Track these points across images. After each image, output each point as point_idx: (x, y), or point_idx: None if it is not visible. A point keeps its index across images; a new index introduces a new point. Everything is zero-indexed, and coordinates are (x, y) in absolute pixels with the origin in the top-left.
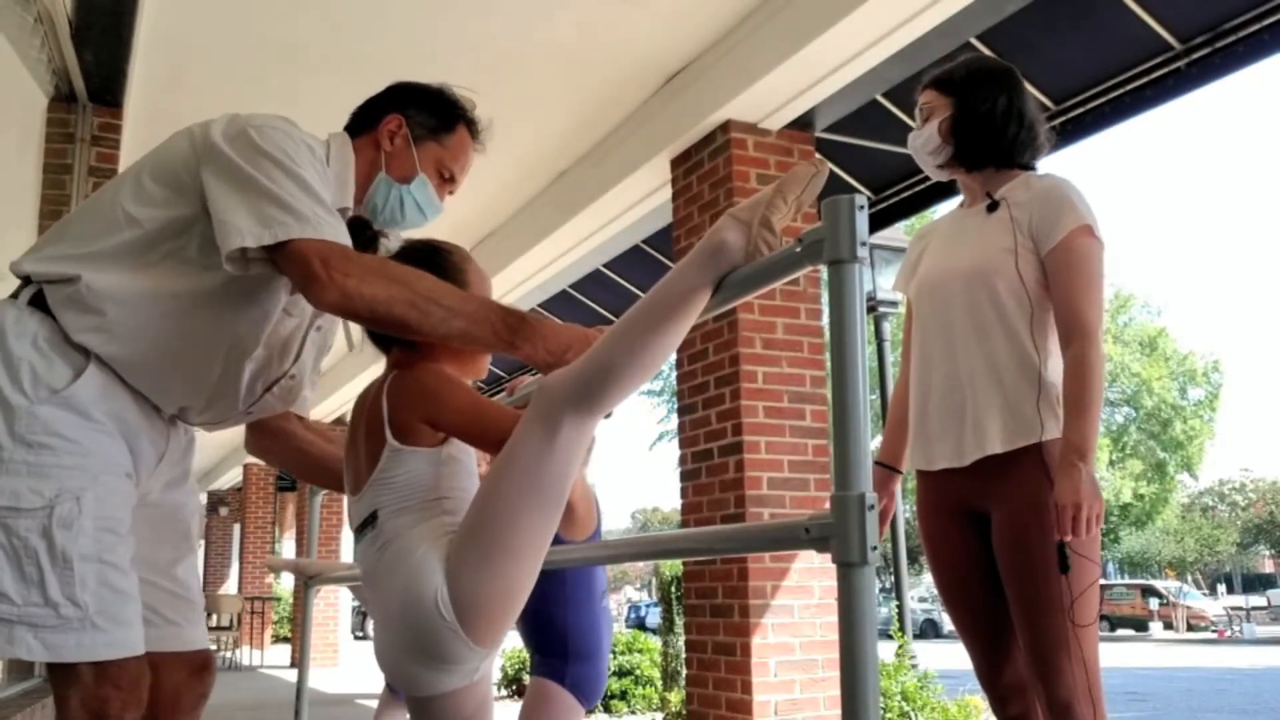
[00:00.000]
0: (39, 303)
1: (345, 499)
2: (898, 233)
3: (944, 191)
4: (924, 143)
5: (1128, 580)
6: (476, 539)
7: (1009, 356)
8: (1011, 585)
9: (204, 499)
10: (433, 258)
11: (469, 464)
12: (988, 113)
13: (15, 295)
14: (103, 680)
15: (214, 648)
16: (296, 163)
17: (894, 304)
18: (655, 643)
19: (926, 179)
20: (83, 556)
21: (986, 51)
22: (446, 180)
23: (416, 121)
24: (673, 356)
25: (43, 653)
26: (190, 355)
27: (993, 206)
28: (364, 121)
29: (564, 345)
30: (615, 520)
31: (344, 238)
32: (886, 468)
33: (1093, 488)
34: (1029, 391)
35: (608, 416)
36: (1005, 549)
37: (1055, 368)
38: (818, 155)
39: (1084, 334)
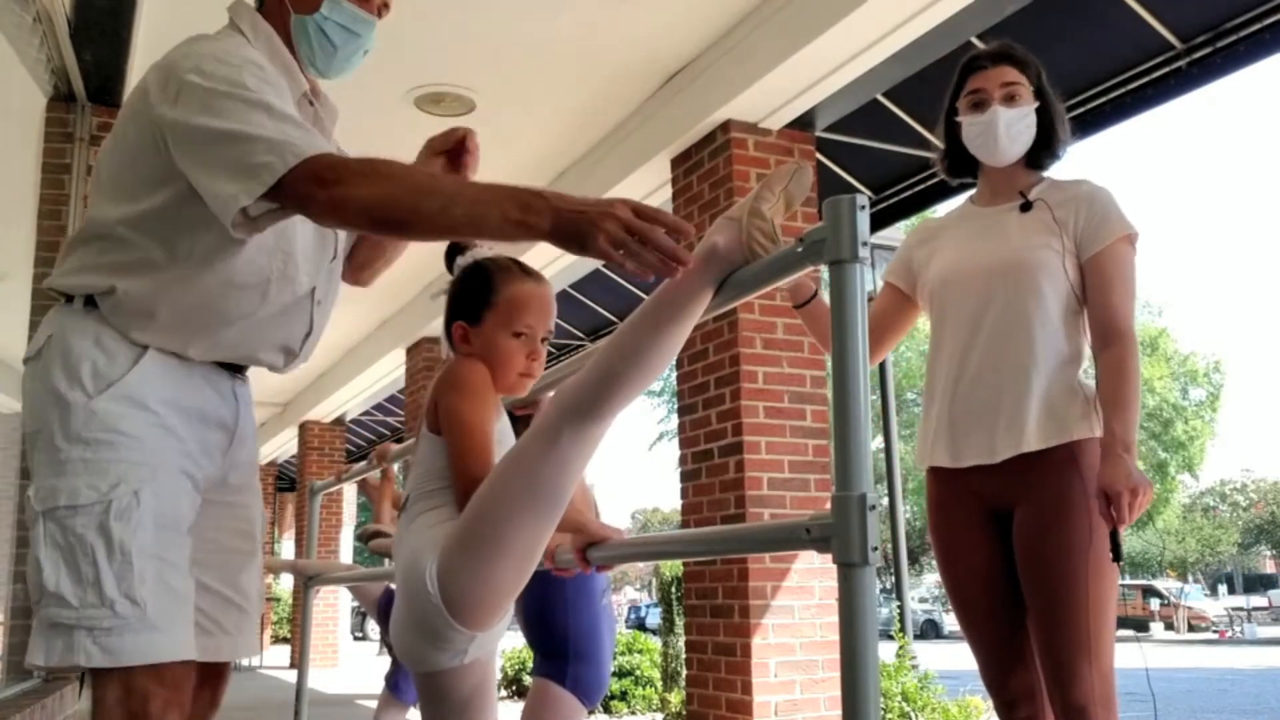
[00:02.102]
0: (93, 305)
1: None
2: (899, 232)
3: (945, 191)
4: (1024, 126)
5: (1129, 581)
6: (468, 529)
7: (1048, 354)
8: (1031, 586)
9: None
10: (478, 272)
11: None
12: (1058, 105)
13: (70, 300)
14: (146, 679)
15: None
16: (247, 86)
17: None
18: (655, 643)
19: (928, 178)
20: (142, 551)
21: None
22: None
23: None
24: None
25: (102, 658)
26: (242, 307)
27: (1026, 205)
28: None
29: (579, 204)
30: (615, 521)
31: (320, 144)
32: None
33: (1141, 476)
34: (1065, 390)
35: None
36: (1028, 547)
37: (1088, 369)
38: (793, 158)
39: (1124, 336)
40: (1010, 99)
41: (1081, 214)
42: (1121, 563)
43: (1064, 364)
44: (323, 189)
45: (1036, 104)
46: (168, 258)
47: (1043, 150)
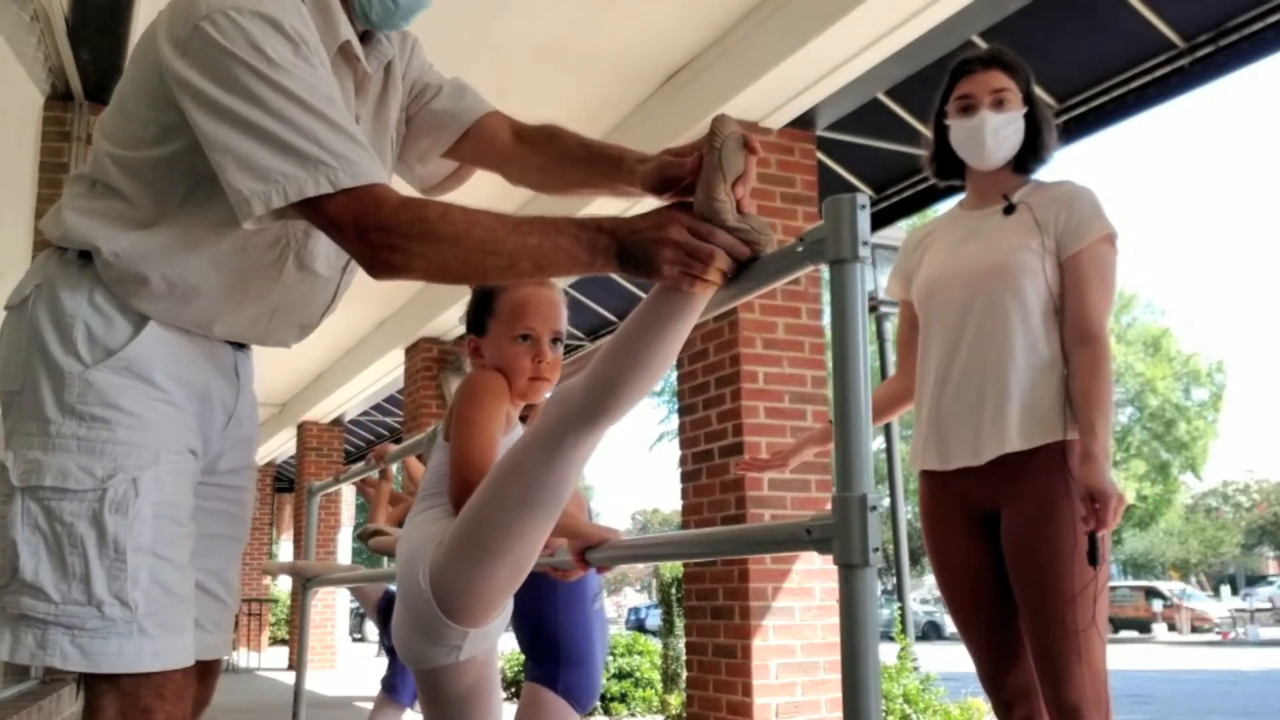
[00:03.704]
0: (89, 261)
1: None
2: (899, 232)
3: (946, 190)
4: (1012, 130)
5: (1131, 582)
6: (465, 530)
7: (1030, 355)
8: (1021, 587)
9: None
10: (483, 294)
11: None
12: (1046, 110)
13: (64, 251)
14: (145, 689)
15: None
16: (276, 60)
17: (896, 304)
18: (655, 645)
19: (929, 177)
20: (137, 548)
21: None
22: None
23: None
24: None
25: (79, 661)
26: (258, 280)
27: (1010, 208)
28: None
29: (635, 229)
30: (615, 522)
31: (363, 169)
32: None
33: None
34: (1049, 390)
35: None
36: (1016, 549)
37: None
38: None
39: (1098, 337)
40: (999, 104)
41: (1063, 214)
42: (1097, 566)
43: (1046, 365)
44: (367, 247)
45: (1025, 110)
46: (157, 213)
47: (1029, 155)
